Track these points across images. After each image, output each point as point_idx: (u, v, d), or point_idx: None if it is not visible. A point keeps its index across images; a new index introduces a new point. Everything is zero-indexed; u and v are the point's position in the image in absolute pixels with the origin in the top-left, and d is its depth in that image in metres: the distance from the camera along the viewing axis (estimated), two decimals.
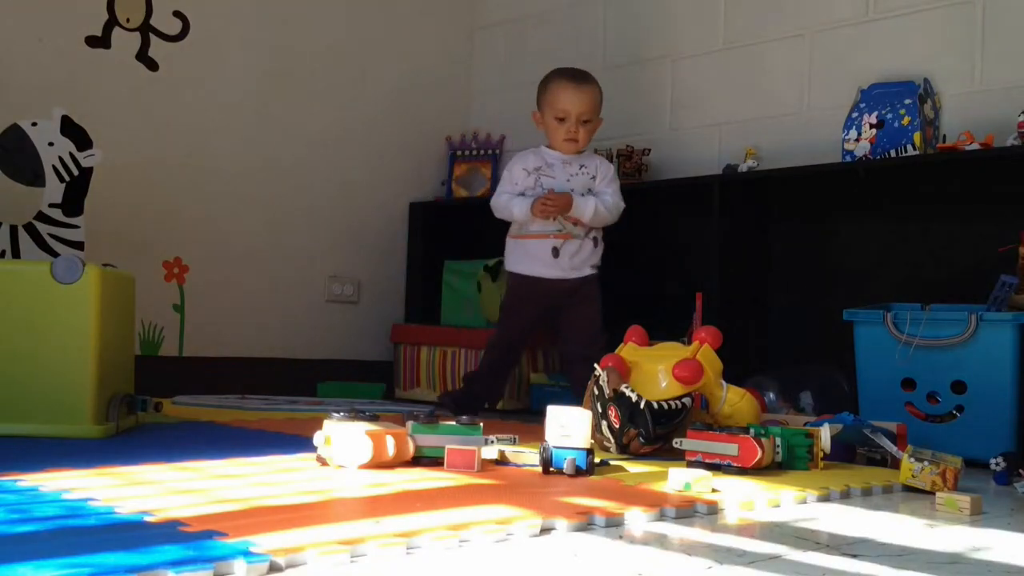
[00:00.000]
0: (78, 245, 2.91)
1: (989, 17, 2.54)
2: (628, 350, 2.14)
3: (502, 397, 3.02)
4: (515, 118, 3.64)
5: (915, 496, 1.70)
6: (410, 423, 1.78)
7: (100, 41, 2.99)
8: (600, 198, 2.72)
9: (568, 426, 1.71)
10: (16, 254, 2.81)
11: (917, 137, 2.52)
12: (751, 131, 2.97)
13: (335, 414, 1.73)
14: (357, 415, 1.74)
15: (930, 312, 2.25)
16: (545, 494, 1.50)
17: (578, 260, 2.74)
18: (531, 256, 2.75)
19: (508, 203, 2.77)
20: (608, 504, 1.40)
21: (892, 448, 1.95)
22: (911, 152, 2.51)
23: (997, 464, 1.90)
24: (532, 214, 2.69)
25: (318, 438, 1.68)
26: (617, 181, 2.80)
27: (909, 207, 2.62)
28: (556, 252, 2.73)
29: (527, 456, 1.81)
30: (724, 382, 2.08)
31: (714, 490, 1.55)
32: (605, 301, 3.05)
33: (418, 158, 3.66)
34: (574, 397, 2.67)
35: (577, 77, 2.76)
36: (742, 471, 1.76)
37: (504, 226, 3.61)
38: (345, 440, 1.66)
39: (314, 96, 3.40)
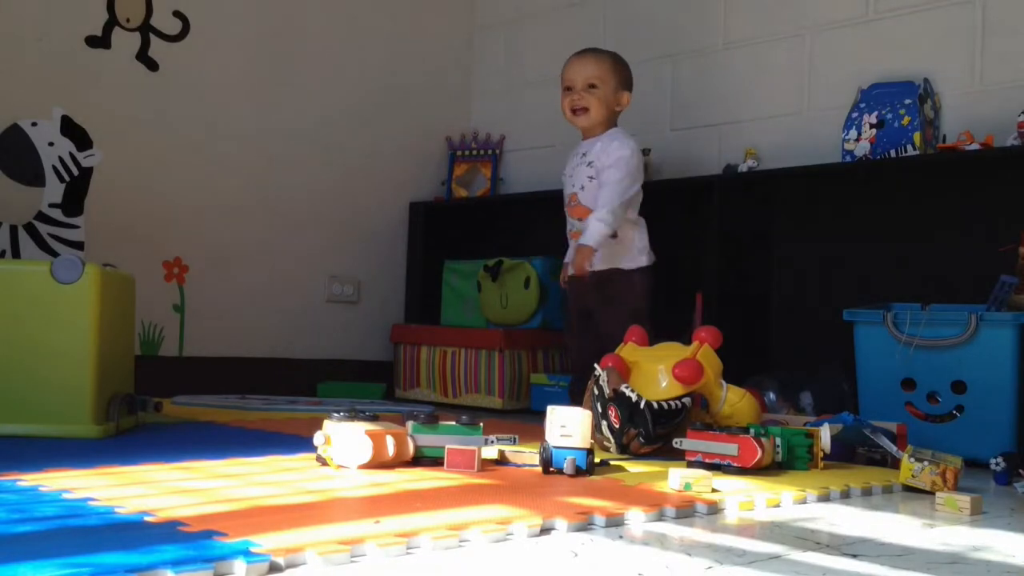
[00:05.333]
0: (78, 245, 2.91)
1: (989, 17, 2.54)
2: (628, 350, 2.14)
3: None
4: (515, 118, 3.65)
5: (915, 496, 1.70)
6: (410, 423, 1.78)
7: (100, 41, 2.99)
8: (595, 215, 2.55)
9: (568, 426, 1.71)
10: (16, 254, 2.81)
11: (917, 137, 2.52)
12: (751, 131, 2.97)
13: (335, 414, 1.73)
14: (357, 415, 1.74)
15: (930, 312, 2.25)
16: (545, 494, 1.50)
17: (598, 254, 2.58)
18: (568, 255, 2.70)
19: None
20: (608, 504, 1.40)
21: (892, 448, 1.95)
22: (911, 152, 2.51)
23: (997, 464, 1.90)
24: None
25: (318, 438, 1.68)
26: (619, 170, 2.57)
27: (909, 207, 2.62)
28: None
29: (527, 456, 1.81)
30: (724, 382, 2.08)
31: (714, 490, 1.55)
32: None
33: (418, 158, 3.66)
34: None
35: (581, 50, 2.73)
36: (742, 471, 1.76)
37: (504, 225, 3.63)
38: (345, 440, 1.66)
39: (314, 96, 3.40)
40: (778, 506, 1.54)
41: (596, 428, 2.00)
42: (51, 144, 2.89)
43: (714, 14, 3.09)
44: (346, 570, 1.02)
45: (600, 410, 2.01)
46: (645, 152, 3.13)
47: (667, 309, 2.95)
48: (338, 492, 1.46)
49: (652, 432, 1.95)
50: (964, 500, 1.54)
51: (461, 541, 1.16)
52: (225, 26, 3.21)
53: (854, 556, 1.19)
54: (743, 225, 2.82)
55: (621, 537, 1.26)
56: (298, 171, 3.37)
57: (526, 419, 2.78)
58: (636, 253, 2.65)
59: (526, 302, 3.18)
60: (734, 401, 2.06)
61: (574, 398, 2.57)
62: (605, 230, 2.54)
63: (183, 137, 3.13)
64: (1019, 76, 2.48)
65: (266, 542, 1.06)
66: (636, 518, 1.36)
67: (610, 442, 2.01)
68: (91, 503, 1.28)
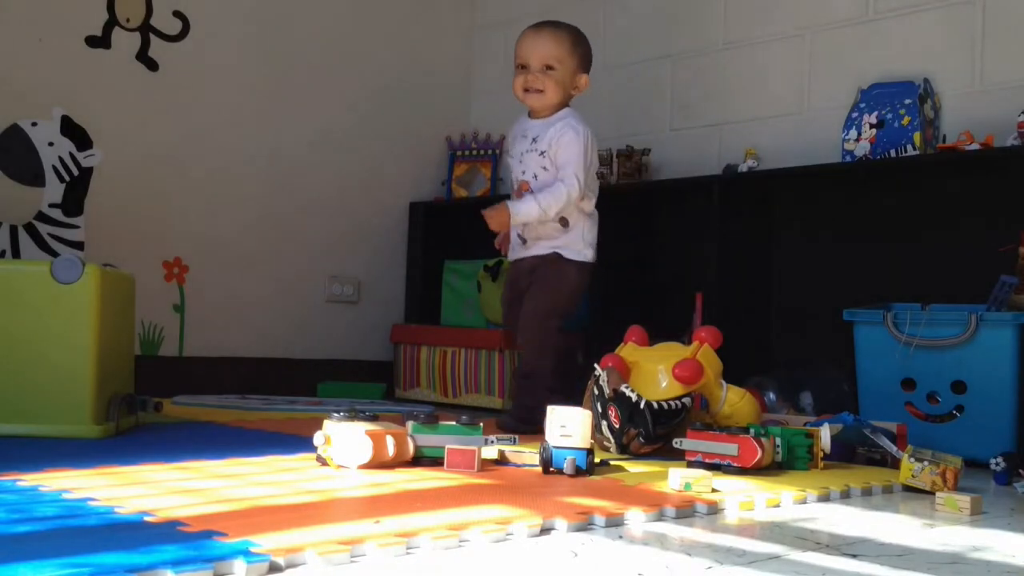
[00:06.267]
0: (78, 245, 2.91)
1: (989, 17, 2.54)
2: (628, 350, 2.14)
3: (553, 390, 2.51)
4: (515, 118, 3.64)
5: (915, 496, 1.70)
6: (410, 423, 1.78)
7: (100, 41, 2.99)
8: (543, 192, 2.41)
9: (568, 426, 1.71)
10: (16, 254, 2.81)
11: (917, 137, 2.52)
12: (751, 131, 2.97)
13: (335, 414, 1.73)
14: (357, 415, 1.74)
15: (930, 312, 2.25)
16: (545, 494, 1.50)
17: (542, 239, 2.50)
18: (513, 240, 2.60)
19: None
20: (608, 504, 1.40)
21: (892, 448, 1.95)
22: (911, 152, 2.51)
23: (997, 464, 1.90)
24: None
25: (318, 438, 1.68)
26: (574, 157, 2.43)
27: (909, 207, 2.62)
28: (521, 239, 2.55)
29: (527, 456, 1.81)
30: (724, 382, 2.08)
31: (714, 490, 1.55)
32: (606, 301, 3.05)
33: (418, 158, 3.66)
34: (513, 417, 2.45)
35: (538, 24, 2.52)
36: (742, 471, 1.76)
37: None
38: (345, 440, 1.66)
39: (314, 96, 3.40)
40: (778, 506, 1.54)
41: (596, 428, 2.00)
42: (51, 144, 2.89)
43: (714, 14, 3.09)
44: (346, 570, 1.02)
45: (600, 410, 2.01)
46: (645, 152, 3.14)
47: (667, 309, 2.96)
48: (338, 492, 1.46)
49: (652, 432, 1.95)
50: (964, 500, 1.54)
51: (461, 541, 1.16)
52: (225, 26, 3.21)
53: (854, 556, 1.19)
54: (743, 225, 2.82)
55: (621, 537, 1.26)
56: (298, 171, 3.37)
57: None
58: (583, 246, 2.50)
59: None
60: (734, 401, 2.06)
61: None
62: (535, 216, 2.41)
63: (183, 137, 3.13)
64: (1019, 76, 2.48)
65: (266, 542, 1.06)
66: (636, 518, 1.36)
67: (610, 442, 2.01)
68: (91, 503, 1.28)
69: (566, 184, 2.41)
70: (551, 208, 2.41)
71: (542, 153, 2.47)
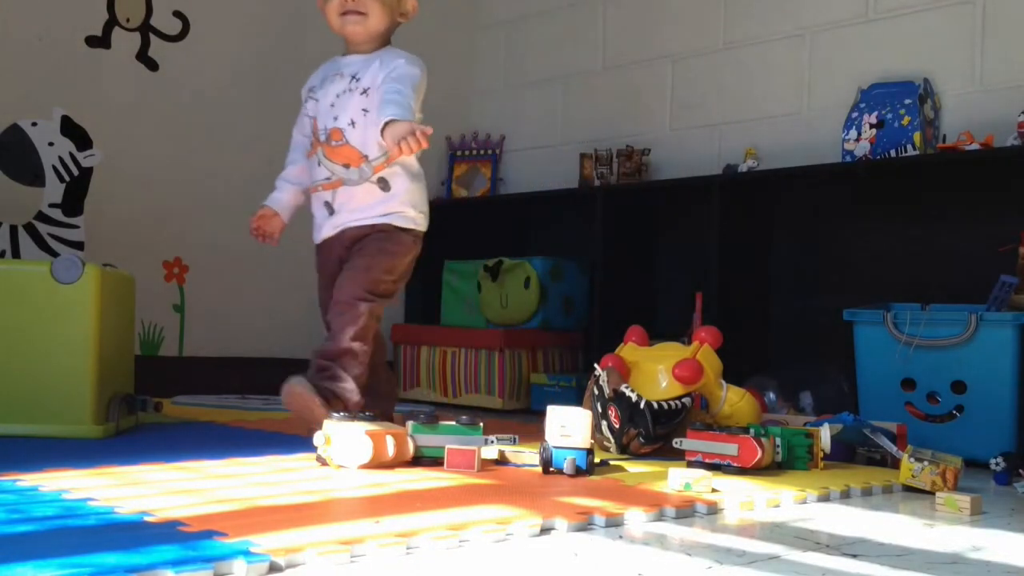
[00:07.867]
0: (78, 245, 2.91)
1: (989, 17, 2.54)
2: (628, 350, 2.14)
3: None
4: (515, 118, 3.65)
5: (915, 496, 1.70)
6: (410, 423, 1.78)
7: (100, 41, 2.99)
8: (388, 105, 1.96)
9: (568, 426, 1.71)
10: (16, 254, 2.81)
11: (917, 137, 2.52)
12: (751, 131, 2.97)
13: (335, 414, 1.73)
14: (357, 415, 1.75)
15: (930, 312, 2.25)
16: (545, 494, 1.50)
17: (359, 209, 2.09)
18: (315, 217, 2.17)
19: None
20: (608, 504, 1.40)
21: (892, 448, 1.95)
22: (911, 152, 2.51)
23: (997, 464, 1.90)
24: (397, 150, 1.96)
25: (318, 438, 1.68)
26: (410, 79, 2.07)
27: (909, 207, 2.62)
28: (329, 207, 2.13)
29: (527, 456, 1.81)
30: (724, 382, 2.08)
31: (714, 490, 1.55)
32: (606, 301, 3.05)
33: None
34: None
35: None
36: (742, 471, 1.76)
37: (504, 225, 3.62)
38: (345, 440, 1.66)
39: None
40: (778, 506, 1.54)
41: (596, 428, 2.00)
42: (51, 144, 2.89)
43: (714, 14, 3.09)
44: (346, 570, 1.02)
45: (600, 410, 2.01)
46: (645, 152, 3.13)
47: (667, 309, 2.96)
48: (338, 492, 1.46)
49: (652, 432, 1.95)
50: (964, 500, 1.54)
51: (461, 541, 1.16)
52: (225, 26, 3.21)
53: (854, 556, 1.19)
54: (743, 225, 2.81)
55: (621, 537, 1.26)
56: None
57: (526, 419, 2.78)
58: (414, 213, 2.13)
59: (526, 302, 3.18)
60: (734, 401, 2.06)
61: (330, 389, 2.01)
62: (408, 117, 1.94)
63: (183, 137, 3.13)
64: (1019, 76, 2.48)
65: (266, 542, 1.06)
66: (636, 518, 1.36)
67: (610, 442, 2.01)
68: (90, 503, 1.28)
69: (397, 90, 2.00)
70: (408, 113, 2.00)
71: (365, 91, 2.05)
